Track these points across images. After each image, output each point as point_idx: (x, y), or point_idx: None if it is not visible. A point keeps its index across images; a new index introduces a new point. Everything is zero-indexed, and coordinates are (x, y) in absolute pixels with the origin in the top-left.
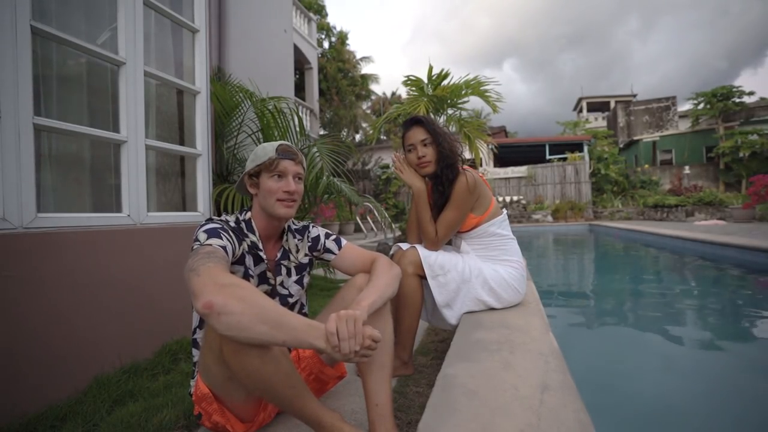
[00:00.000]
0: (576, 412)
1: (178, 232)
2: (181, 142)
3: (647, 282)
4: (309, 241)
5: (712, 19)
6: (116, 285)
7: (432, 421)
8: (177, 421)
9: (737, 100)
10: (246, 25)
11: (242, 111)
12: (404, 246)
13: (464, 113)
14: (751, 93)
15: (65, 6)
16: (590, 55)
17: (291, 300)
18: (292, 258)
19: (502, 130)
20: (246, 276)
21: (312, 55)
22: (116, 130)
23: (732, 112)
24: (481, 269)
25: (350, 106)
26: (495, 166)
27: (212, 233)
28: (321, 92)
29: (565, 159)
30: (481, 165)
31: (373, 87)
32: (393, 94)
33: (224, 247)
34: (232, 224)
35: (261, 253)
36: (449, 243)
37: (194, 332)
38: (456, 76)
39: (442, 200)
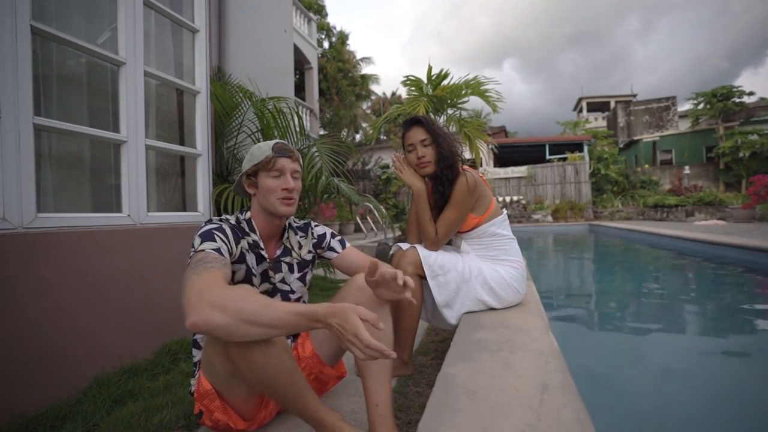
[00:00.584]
0: (576, 412)
1: (178, 232)
2: (181, 142)
3: (647, 282)
4: (314, 238)
5: (712, 19)
6: (116, 285)
7: (432, 421)
8: (177, 421)
9: (737, 100)
10: (246, 25)
11: (242, 111)
12: (404, 246)
13: (464, 113)
14: (751, 93)
15: (65, 6)
16: (590, 55)
17: (293, 297)
18: (294, 254)
19: (502, 130)
20: (248, 275)
21: (312, 55)
22: (116, 130)
23: (732, 112)
24: (481, 269)
25: (350, 106)
26: (495, 166)
27: (205, 236)
28: (321, 92)
29: (565, 159)
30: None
31: (373, 87)
32: (393, 94)
33: (217, 249)
34: (233, 222)
35: (263, 252)
36: (449, 243)
37: (194, 332)
38: (456, 76)
39: (442, 200)
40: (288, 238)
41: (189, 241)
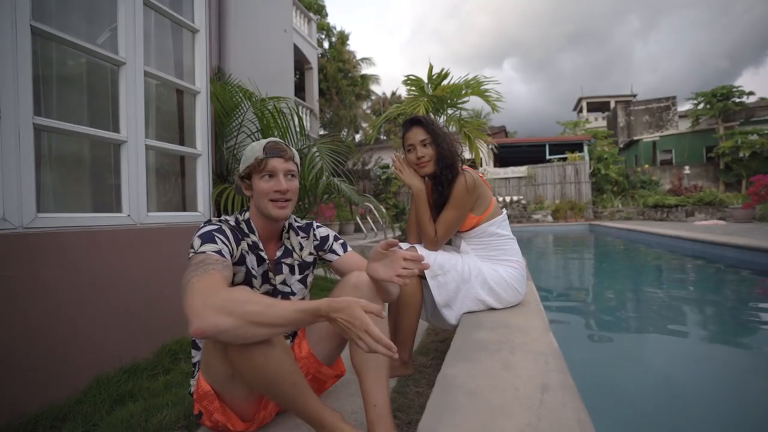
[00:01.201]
0: (576, 412)
1: (178, 232)
2: (181, 142)
3: (647, 282)
4: (316, 240)
5: (713, 18)
6: (116, 285)
7: (432, 421)
8: (177, 421)
9: (737, 100)
10: (246, 25)
11: (242, 111)
12: (404, 246)
13: (464, 113)
14: (750, 93)
15: (65, 6)
16: (591, 55)
17: (294, 299)
18: (295, 256)
19: (502, 130)
20: (248, 276)
21: (312, 55)
22: (116, 130)
23: (732, 112)
24: (480, 269)
25: (350, 106)
26: (495, 166)
27: (206, 238)
28: (321, 92)
29: (565, 159)
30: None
31: (373, 87)
32: (393, 94)
33: (218, 251)
34: (232, 223)
35: (262, 253)
36: (449, 243)
37: (198, 338)
38: (456, 76)
39: (441, 200)
40: (288, 238)
41: (189, 241)
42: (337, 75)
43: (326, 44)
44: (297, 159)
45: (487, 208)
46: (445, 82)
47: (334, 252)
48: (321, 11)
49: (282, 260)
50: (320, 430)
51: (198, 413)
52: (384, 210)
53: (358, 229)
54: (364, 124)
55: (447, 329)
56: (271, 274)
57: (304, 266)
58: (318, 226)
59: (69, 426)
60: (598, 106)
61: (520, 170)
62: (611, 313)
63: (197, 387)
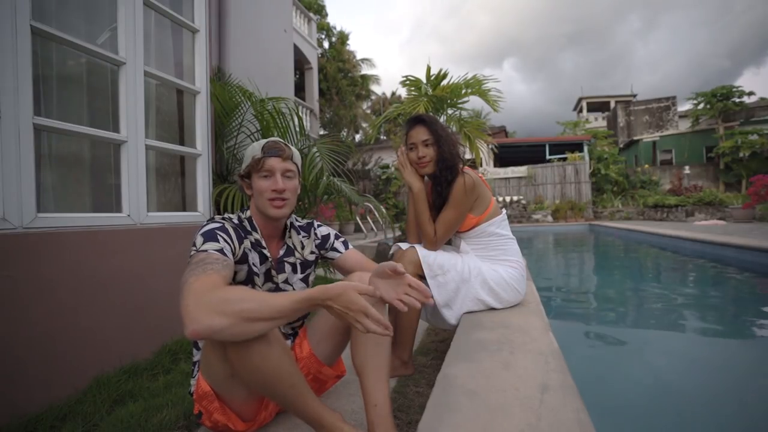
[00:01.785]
0: (576, 412)
1: (178, 232)
2: (181, 142)
3: (647, 282)
4: (317, 239)
5: (714, 18)
6: (116, 285)
7: (432, 421)
8: (177, 421)
9: (737, 100)
10: (246, 25)
11: (242, 111)
12: (404, 246)
13: (464, 113)
14: (750, 93)
15: (65, 6)
16: (591, 55)
17: None
18: (297, 255)
19: (502, 130)
20: (250, 274)
21: (312, 55)
22: (116, 130)
23: (732, 112)
24: (480, 269)
25: (350, 106)
26: (495, 166)
27: (208, 236)
28: (321, 92)
29: (565, 159)
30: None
31: (373, 87)
32: (393, 94)
33: (220, 250)
34: (235, 221)
35: (265, 251)
36: (449, 243)
37: (195, 340)
38: (456, 76)
39: (440, 201)
40: (290, 237)
41: (189, 241)
42: (337, 75)
43: (326, 44)
44: (297, 159)
45: (487, 208)
46: (444, 83)
47: (335, 250)
48: (321, 11)
49: (284, 259)
50: (320, 430)
51: (198, 413)
52: (384, 210)
53: (358, 229)
54: (364, 124)
55: (447, 329)
56: (273, 272)
57: (306, 265)
58: (319, 225)
59: (69, 426)
60: (598, 106)
61: (520, 170)
62: (611, 313)
63: (197, 387)
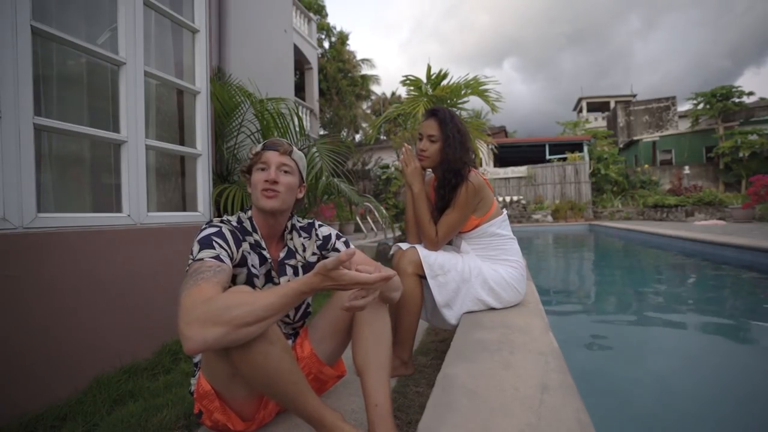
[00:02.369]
0: (576, 412)
1: (178, 232)
2: (181, 142)
3: (647, 282)
4: (319, 239)
5: (714, 18)
6: (116, 285)
7: (432, 421)
8: (177, 421)
9: (737, 100)
10: (246, 25)
11: (242, 111)
12: (404, 246)
13: (464, 113)
14: (750, 93)
15: (65, 6)
16: (591, 54)
17: None
18: (299, 257)
19: (502, 130)
20: (250, 277)
21: (312, 55)
22: (116, 130)
23: (732, 112)
24: (480, 269)
25: (350, 106)
26: (495, 166)
27: (204, 243)
28: (321, 92)
29: (565, 159)
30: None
31: (373, 87)
32: (393, 94)
33: (216, 257)
34: (234, 224)
35: (264, 252)
36: (449, 243)
37: (195, 355)
38: (456, 76)
39: (442, 204)
40: (291, 239)
41: (189, 241)
42: (337, 75)
43: (326, 44)
44: (297, 157)
45: (489, 209)
46: (444, 83)
47: (337, 251)
48: (321, 11)
49: (286, 261)
50: (320, 430)
51: (198, 412)
52: (384, 210)
53: (358, 229)
54: (364, 124)
55: (447, 329)
56: (274, 274)
57: (308, 267)
58: (320, 225)
59: (69, 426)
60: (598, 106)
61: (520, 170)
62: (611, 313)
63: (198, 386)
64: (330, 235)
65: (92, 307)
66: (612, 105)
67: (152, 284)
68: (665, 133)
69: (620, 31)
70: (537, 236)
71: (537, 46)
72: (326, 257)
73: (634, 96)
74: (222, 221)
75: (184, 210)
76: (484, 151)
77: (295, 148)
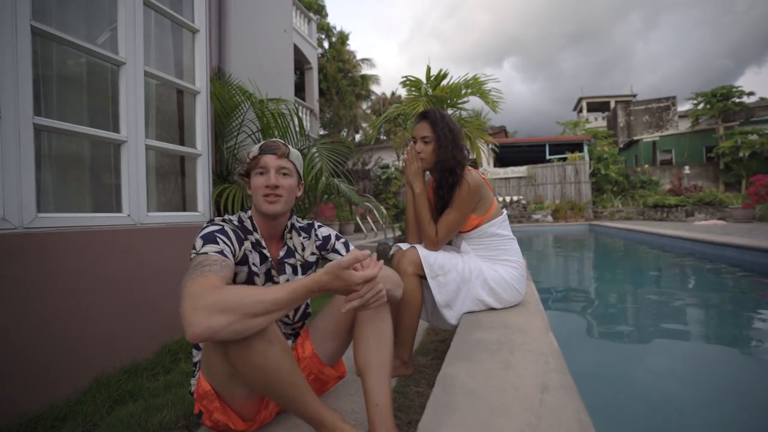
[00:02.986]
0: (576, 412)
1: (178, 232)
2: (181, 142)
3: (647, 282)
4: (318, 240)
5: (715, 17)
6: (116, 285)
7: (432, 421)
8: (177, 421)
9: (737, 100)
10: (246, 25)
11: (242, 111)
12: (404, 246)
13: (464, 113)
14: (750, 93)
15: (65, 6)
16: (591, 54)
17: None
18: (297, 256)
19: (502, 130)
20: (251, 275)
21: (312, 55)
22: (116, 130)
23: (732, 112)
24: (481, 269)
25: (350, 106)
26: (495, 166)
27: (207, 239)
28: (321, 92)
29: (565, 159)
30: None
31: (373, 87)
32: (393, 94)
33: (220, 251)
34: (235, 223)
35: (265, 251)
36: (449, 243)
37: (197, 343)
38: (456, 76)
39: (441, 204)
40: (291, 238)
41: (189, 241)
42: (337, 75)
43: (326, 44)
44: (295, 158)
45: (489, 209)
46: (444, 83)
47: (336, 251)
48: (321, 11)
49: (285, 260)
50: (320, 430)
51: (198, 413)
52: (384, 210)
53: (358, 229)
54: (364, 124)
55: (447, 329)
56: (274, 272)
57: (306, 266)
58: (319, 226)
59: (69, 426)
60: (598, 106)
61: (520, 170)
62: (611, 313)
63: (198, 386)
64: (329, 235)
65: (92, 308)
66: (612, 105)
67: (152, 284)
68: (665, 133)
69: (621, 30)
70: (537, 236)
71: (537, 46)
72: (326, 257)
73: (635, 96)
74: (224, 220)
75: (184, 210)
76: (484, 151)
77: (291, 149)
